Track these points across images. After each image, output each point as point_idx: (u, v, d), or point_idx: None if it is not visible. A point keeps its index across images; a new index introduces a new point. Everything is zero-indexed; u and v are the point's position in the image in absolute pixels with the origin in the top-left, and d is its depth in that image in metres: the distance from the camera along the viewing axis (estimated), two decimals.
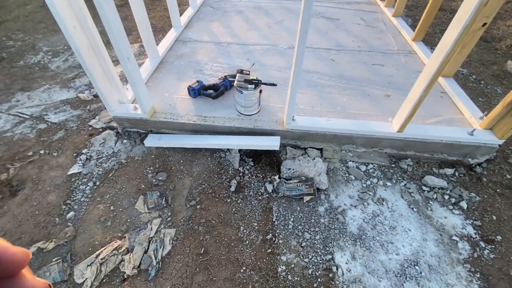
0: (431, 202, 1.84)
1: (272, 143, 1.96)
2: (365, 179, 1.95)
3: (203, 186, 1.89)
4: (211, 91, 2.27)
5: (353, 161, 2.05)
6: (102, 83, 1.91)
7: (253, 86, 1.97)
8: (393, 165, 2.05)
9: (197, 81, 2.29)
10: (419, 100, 1.71)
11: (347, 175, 1.98)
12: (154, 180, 1.93)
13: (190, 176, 1.95)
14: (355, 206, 1.81)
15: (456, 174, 2.01)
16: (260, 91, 2.03)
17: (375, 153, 2.09)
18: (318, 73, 2.62)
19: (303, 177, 1.88)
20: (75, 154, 2.08)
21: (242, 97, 2.00)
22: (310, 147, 2.11)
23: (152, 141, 2.09)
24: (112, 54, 2.23)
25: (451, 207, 1.82)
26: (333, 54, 2.90)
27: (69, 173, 1.95)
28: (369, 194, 1.87)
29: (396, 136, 1.99)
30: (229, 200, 1.82)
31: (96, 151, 2.09)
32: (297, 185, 1.85)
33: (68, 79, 2.82)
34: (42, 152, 2.10)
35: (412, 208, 1.80)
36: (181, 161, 2.04)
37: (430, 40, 3.53)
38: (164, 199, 1.81)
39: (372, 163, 2.04)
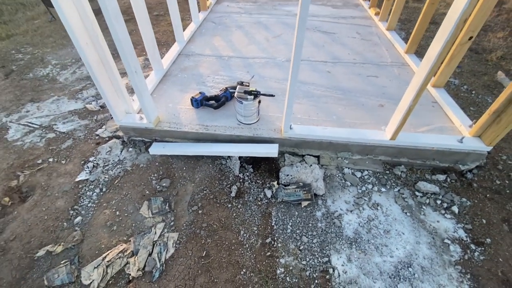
0: (424, 207, 1.92)
1: (270, 151, 2.06)
2: (361, 185, 2.04)
3: (205, 192, 1.97)
4: (213, 101, 2.38)
5: (348, 168, 2.14)
6: (110, 94, 2.03)
7: (252, 97, 2.08)
8: (387, 172, 2.14)
9: (200, 93, 2.40)
10: (408, 109, 1.81)
11: (343, 181, 2.06)
12: (158, 187, 2.01)
13: (192, 182, 2.03)
14: (351, 211, 1.88)
15: (448, 180, 2.09)
16: (259, 102, 2.15)
17: (370, 160, 2.19)
18: (315, 85, 2.74)
19: (301, 183, 1.96)
20: (82, 162, 2.17)
21: (242, 107, 2.11)
22: (307, 154, 2.21)
23: (156, 149, 2.19)
24: (119, 67, 2.36)
25: (443, 211, 1.90)
26: (329, 66, 3.03)
27: (77, 180, 2.04)
28: (365, 200, 1.95)
29: (389, 143, 2.08)
30: (229, 205, 1.90)
31: (103, 159, 2.19)
32: (295, 190, 1.93)
33: (76, 91, 2.94)
34: (51, 160, 2.20)
35: (406, 213, 1.88)
36: (184, 168, 2.12)
37: (423, 52, 3.66)
38: (167, 205, 1.89)
39: (367, 170, 2.13)
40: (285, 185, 2.00)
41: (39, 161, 2.19)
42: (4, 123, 2.53)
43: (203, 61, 3.12)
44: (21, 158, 2.21)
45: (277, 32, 3.78)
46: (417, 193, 2.00)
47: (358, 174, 2.11)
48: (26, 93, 2.90)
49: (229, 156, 2.18)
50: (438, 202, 1.95)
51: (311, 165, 2.05)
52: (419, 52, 3.41)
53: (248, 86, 2.63)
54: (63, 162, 2.18)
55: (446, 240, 1.74)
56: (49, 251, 1.66)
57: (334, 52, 3.32)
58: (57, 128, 2.48)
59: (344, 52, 3.30)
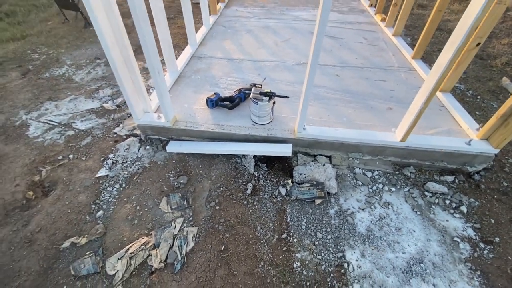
0: (433, 206, 1.98)
1: (285, 150, 2.13)
2: (371, 184, 2.10)
3: (221, 189, 2.04)
4: (227, 102, 2.46)
5: (359, 168, 2.21)
6: (131, 93, 2.11)
7: (267, 98, 2.16)
8: (397, 172, 2.21)
9: (215, 93, 2.49)
10: (419, 112, 1.89)
11: (354, 180, 2.13)
12: (175, 183, 2.08)
13: (209, 179, 2.10)
14: (363, 209, 1.95)
15: (456, 181, 2.16)
16: (274, 103, 2.22)
17: (380, 161, 2.26)
18: (325, 87, 2.83)
19: (314, 182, 2.03)
20: (102, 159, 2.24)
21: (257, 108, 2.18)
22: (319, 155, 2.28)
23: (173, 147, 2.26)
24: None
25: (452, 211, 1.96)
26: (337, 70, 3.12)
27: (97, 175, 2.11)
28: (376, 198, 2.01)
29: (399, 145, 2.15)
30: (245, 202, 1.96)
31: (121, 156, 2.26)
32: (308, 189, 2.00)
33: (92, 90, 3.03)
34: (71, 156, 2.27)
35: (416, 212, 1.94)
36: (200, 166, 2.20)
37: (429, 58, 3.77)
38: (185, 200, 1.96)
39: (377, 170, 2.20)
40: (299, 184, 2.07)
41: (60, 157, 2.26)
42: (24, 121, 2.61)
43: (215, 63, 3.21)
44: (42, 154, 2.29)
45: (286, 36, 3.88)
46: (426, 193, 2.07)
47: (369, 174, 2.18)
48: (44, 92, 2.98)
49: (244, 155, 2.25)
50: (447, 202, 2.01)
51: (324, 165, 2.12)
52: (425, 58, 3.50)
53: (261, 88, 2.72)
54: (83, 158, 2.25)
55: (455, 238, 1.80)
56: (73, 242, 1.72)
57: (342, 56, 3.40)
58: (76, 126, 2.55)
59: (352, 57, 3.39)
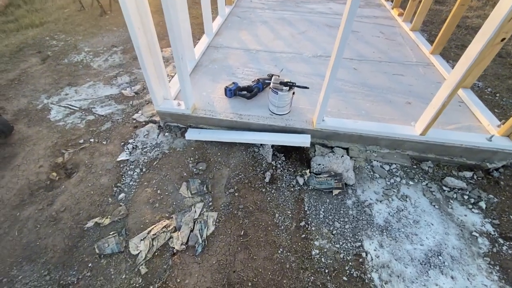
0: (451, 201, 1.98)
1: (303, 140, 2.14)
2: (389, 177, 2.11)
3: (240, 176, 2.06)
4: (246, 92, 2.47)
5: (377, 161, 2.21)
6: (154, 79, 2.13)
7: (287, 88, 2.16)
8: (415, 166, 2.20)
9: (233, 83, 2.49)
10: (442, 105, 1.87)
11: (372, 173, 2.13)
12: (195, 169, 2.11)
13: (227, 167, 2.13)
14: (380, 201, 1.96)
15: (475, 177, 2.14)
16: (293, 93, 2.23)
17: (398, 154, 2.25)
18: (343, 80, 2.81)
19: (332, 172, 2.04)
20: (122, 144, 2.28)
21: (277, 97, 2.19)
22: (337, 146, 2.28)
23: (192, 134, 2.29)
24: None
25: (470, 206, 1.95)
26: (355, 64, 3.10)
27: (118, 159, 2.15)
28: (393, 191, 2.02)
29: (418, 139, 2.14)
30: (264, 190, 1.99)
31: (141, 141, 2.29)
32: (326, 179, 2.01)
33: (110, 77, 3.06)
34: (92, 140, 2.32)
35: (434, 205, 1.94)
36: (219, 154, 2.22)
37: (446, 54, 3.71)
38: (205, 186, 1.99)
39: (395, 163, 2.20)
40: (316, 174, 2.08)
41: (81, 141, 2.31)
42: (46, 104, 2.66)
43: (232, 53, 3.21)
44: (64, 137, 2.34)
45: (302, 28, 3.85)
46: (444, 187, 2.06)
47: (386, 167, 2.18)
48: (64, 78, 3.03)
49: (262, 145, 2.26)
50: (465, 197, 2.01)
51: (342, 156, 2.12)
52: (442, 54, 3.44)
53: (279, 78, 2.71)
54: (104, 142, 2.29)
55: (474, 233, 1.80)
56: (97, 222, 1.77)
57: (359, 50, 3.37)
58: (96, 111, 2.60)
59: (369, 50, 3.36)
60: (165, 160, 2.17)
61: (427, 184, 2.07)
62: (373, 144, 2.27)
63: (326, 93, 1.95)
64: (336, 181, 2.00)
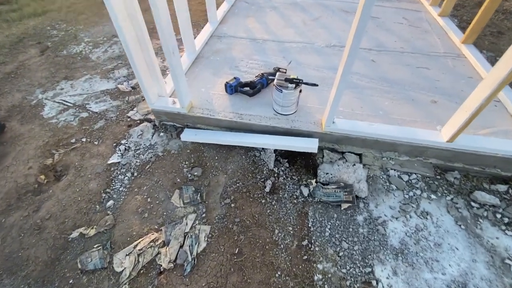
0: (480, 220, 1.71)
1: (310, 145, 1.90)
2: (408, 189, 1.84)
3: (237, 184, 1.87)
4: (248, 88, 2.23)
5: (394, 170, 1.94)
6: (145, 75, 1.94)
7: (293, 85, 1.91)
8: (438, 177, 1.92)
9: (234, 78, 2.26)
10: (478, 109, 1.57)
11: (387, 184, 1.88)
12: (189, 175, 1.94)
13: (224, 173, 1.94)
14: (396, 218, 1.71)
15: (510, 191, 1.84)
16: (300, 91, 1.97)
17: (419, 162, 1.97)
18: (358, 74, 2.50)
19: (341, 183, 1.81)
20: (114, 144, 2.13)
21: (281, 96, 1.94)
22: (348, 152, 2.03)
23: (188, 136, 2.10)
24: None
25: (503, 227, 1.67)
26: (373, 55, 2.76)
27: (109, 162, 2.01)
28: (412, 206, 1.76)
29: (444, 146, 1.85)
30: (263, 201, 1.79)
31: (134, 142, 2.14)
32: (335, 191, 1.78)
33: (108, 70, 2.90)
34: (84, 140, 2.18)
35: (460, 225, 1.68)
36: (216, 158, 2.03)
37: (479, 43, 3.27)
38: (199, 195, 1.82)
39: (415, 173, 1.92)
40: (323, 184, 1.85)
41: (73, 140, 2.18)
42: (40, 100, 2.55)
43: (236, 43, 2.95)
44: (55, 136, 2.22)
45: (315, 14, 3.50)
46: (473, 203, 1.78)
47: (405, 178, 1.91)
48: (60, 71, 2.90)
49: (263, 148, 2.05)
50: (498, 216, 1.72)
51: (354, 164, 1.87)
52: (475, 43, 3.02)
53: (285, 72, 2.45)
54: (96, 143, 2.16)
55: (507, 261, 1.54)
56: (82, 233, 1.65)
57: (379, 38, 3.01)
58: (90, 107, 2.46)
59: (390, 39, 2.99)
60: (159, 164, 2.00)
61: (452, 199, 1.80)
62: (390, 150, 2.00)
63: (338, 91, 1.68)
64: (346, 193, 1.77)
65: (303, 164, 2.00)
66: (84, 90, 2.66)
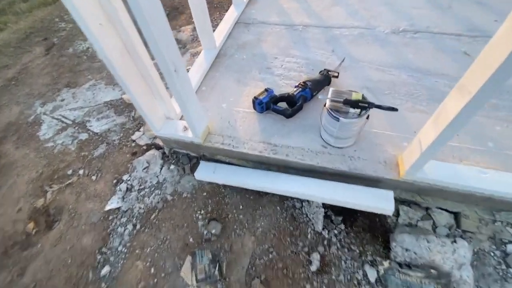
0: None
1: (381, 205, 1.26)
2: None
3: (270, 255, 1.33)
4: (283, 107, 1.60)
5: None
6: (142, 95, 1.40)
7: (358, 111, 1.24)
8: None
9: (266, 90, 1.63)
10: None
11: (504, 268, 1.20)
12: (205, 232, 1.44)
13: (252, 233, 1.40)
14: None
15: None
16: (367, 117, 1.29)
17: None
18: (445, 77, 1.72)
19: (432, 270, 1.17)
20: (115, 181, 1.70)
21: (337, 126, 1.29)
22: (437, 207, 1.35)
23: (204, 173, 1.57)
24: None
25: None
26: (465, 44, 1.90)
27: (107, 208, 1.59)
28: None
29: None
30: (308, 287, 1.24)
31: (139, 178, 1.68)
32: (421, 281, 1.16)
33: None
34: (81, 172, 1.78)
35: None
36: (241, 207, 1.49)
37: None
38: (217, 267, 1.32)
39: None
40: (401, 265, 1.23)
41: (69, 172, 1.79)
42: (38, 115, 2.18)
43: (268, 32, 2.25)
44: (51, 165, 1.85)
45: None
46: None
47: None
48: (63, 75, 2.50)
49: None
50: None
51: (454, 241, 1.20)
52: None
53: (337, 76, 1.77)
54: (94, 177, 1.74)
55: None
56: None
57: (471, 17, 2.09)
58: (91, 126, 2.03)
59: (488, 19, 2.06)
60: (167, 213, 1.53)
61: None
62: (509, 209, 1.28)
63: (448, 130, 0.98)
64: (440, 286, 1.14)
65: (366, 225, 1.38)
66: (86, 101, 2.23)
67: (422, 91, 1.68)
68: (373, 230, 1.35)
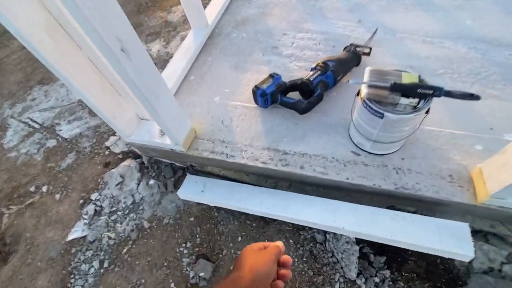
0: None
1: (453, 248, 0.81)
2: None
3: None
4: (296, 95, 1.16)
5: None
6: (96, 91, 1.01)
7: (414, 101, 0.78)
8: None
9: (271, 76, 1.19)
10: None
11: None
12: (191, 275, 1.05)
13: None
14: None
15: None
16: (427, 112, 0.83)
17: None
18: None
19: None
20: (81, 201, 1.33)
21: (380, 124, 0.84)
22: None
23: (190, 191, 1.17)
24: None
25: None
26: None
27: (70, 238, 1.23)
28: None
29: None
30: None
31: (110, 198, 1.31)
32: None
33: None
34: (44, 189, 1.43)
35: None
36: (239, 238, 1.09)
37: None
38: None
39: None
40: None
41: (32, 189, 1.45)
42: (5, 119, 1.85)
43: (274, 4, 1.78)
44: (12, 181, 1.51)
45: None
46: None
47: None
48: (37, 70, 2.16)
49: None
50: None
51: None
52: None
53: (369, 53, 1.30)
54: (57, 196, 1.39)
55: None
56: None
57: None
58: (60, 130, 1.67)
59: None
60: (142, 247, 1.15)
61: None
62: None
63: None
64: None
65: (422, 270, 0.93)
66: (58, 100, 1.87)
67: (492, 69, 1.19)
68: (433, 279, 0.90)
